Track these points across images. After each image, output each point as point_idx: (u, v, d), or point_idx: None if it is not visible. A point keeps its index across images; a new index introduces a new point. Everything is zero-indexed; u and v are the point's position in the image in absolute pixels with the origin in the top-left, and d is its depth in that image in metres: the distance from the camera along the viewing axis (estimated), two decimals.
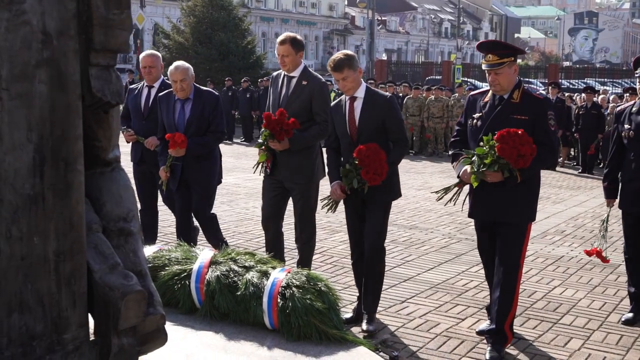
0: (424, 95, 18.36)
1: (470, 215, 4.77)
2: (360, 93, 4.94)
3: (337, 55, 4.95)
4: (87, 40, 2.80)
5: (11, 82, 2.51)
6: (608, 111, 15.21)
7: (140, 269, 3.14)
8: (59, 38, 2.65)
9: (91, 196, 3.03)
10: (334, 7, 62.26)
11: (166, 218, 8.61)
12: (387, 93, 5.06)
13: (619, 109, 5.68)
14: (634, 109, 5.42)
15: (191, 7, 28.15)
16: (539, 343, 4.95)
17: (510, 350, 4.79)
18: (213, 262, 4.12)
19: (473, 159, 4.40)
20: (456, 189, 4.62)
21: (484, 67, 4.54)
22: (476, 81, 34.16)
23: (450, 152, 4.86)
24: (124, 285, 2.88)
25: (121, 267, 2.96)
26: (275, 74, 5.74)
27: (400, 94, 18.92)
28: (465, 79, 30.43)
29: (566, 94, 17.49)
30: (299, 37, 5.47)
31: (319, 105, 5.36)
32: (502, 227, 4.58)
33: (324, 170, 5.52)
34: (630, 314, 5.44)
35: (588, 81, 29.96)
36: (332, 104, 5.21)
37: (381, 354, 4.41)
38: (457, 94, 18.45)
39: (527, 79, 37.45)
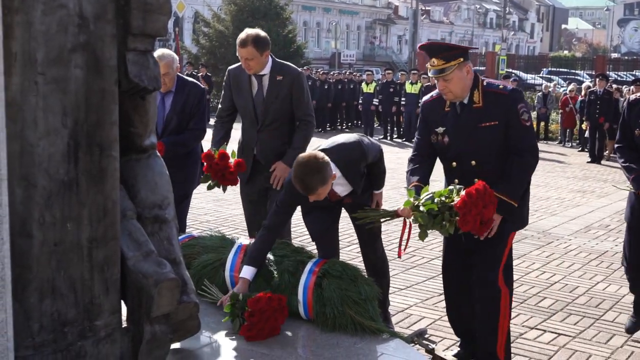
0: None
1: (450, 242, 4.13)
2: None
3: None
4: (124, 25, 2.77)
5: (47, 66, 2.49)
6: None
7: (175, 256, 3.12)
8: (96, 22, 2.63)
9: (126, 183, 3.02)
10: None
11: (201, 206, 8.66)
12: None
13: (633, 97, 4.66)
14: None
15: None
16: (580, 339, 4.84)
17: (550, 346, 4.70)
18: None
19: (420, 208, 3.62)
20: (390, 219, 3.89)
21: (430, 73, 3.81)
22: (521, 72, 33.76)
23: (407, 169, 4.06)
24: (158, 272, 2.86)
25: (155, 254, 2.94)
26: (234, 67, 4.98)
27: None
28: (510, 70, 30.06)
29: (614, 86, 17.13)
30: (262, 33, 4.74)
31: (299, 99, 4.80)
32: (481, 245, 3.86)
33: None
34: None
35: (637, 73, 29.37)
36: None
37: (417, 346, 4.36)
38: None
39: (574, 71, 36.88)
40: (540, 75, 35.32)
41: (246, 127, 4.99)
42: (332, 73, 23.48)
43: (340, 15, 57.53)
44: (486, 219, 3.54)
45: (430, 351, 4.33)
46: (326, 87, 20.64)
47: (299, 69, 4.96)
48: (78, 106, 2.59)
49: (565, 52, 64.18)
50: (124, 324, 2.92)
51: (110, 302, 2.79)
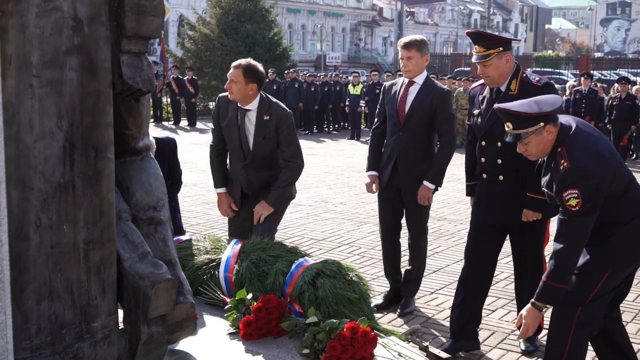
0: (451, 85, 18.20)
1: (479, 219, 4.43)
2: (420, 80, 5.11)
3: (412, 36, 5.24)
4: (118, 27, 2.79)
5: (41, 69, 2.50)
6: None
7: (170, 257, 3.13)
8: (90, 24, 2.63)
9: (121, 185, 3.02)
10: None
11: (191, 209, 8.64)
12: (445, 87, 5.19)
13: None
14: None
15: None
16: None
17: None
18: (242, 252, 4.11)
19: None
20: None
21: (473, 59, 4.26)
22: None
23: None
24: (154, 273, 2.87)
25: (151, 255, 2.95)
26: (224, 96, 4.79)
27: None
28: None
29: (599, 85, 17.26)
30: (259, 66, 4.66)
31: (287, 143, 4.69)
32: (518, 229, 4.34)
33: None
34: None
35: (620, 72, 29.60)
36: (388, 83, 5.31)
37: (411, 344, 4.37)
38: None
39: (558, 70, 37.09)
40: None
41: (233, 159, 4.87)
42: (318, 75, 23.50)
43: (325, 18, 57.59)
44: (359, 357, 3.38)
45: (424, 348, 4.35)
46: (313, 89, 20.66)
47: (288, 110, 4.75)
48: (73, 108, 2.60)
49: (549, 51, 64.52)
50: (121, 326, 2.92)
51: (107, 304, 2.80)
